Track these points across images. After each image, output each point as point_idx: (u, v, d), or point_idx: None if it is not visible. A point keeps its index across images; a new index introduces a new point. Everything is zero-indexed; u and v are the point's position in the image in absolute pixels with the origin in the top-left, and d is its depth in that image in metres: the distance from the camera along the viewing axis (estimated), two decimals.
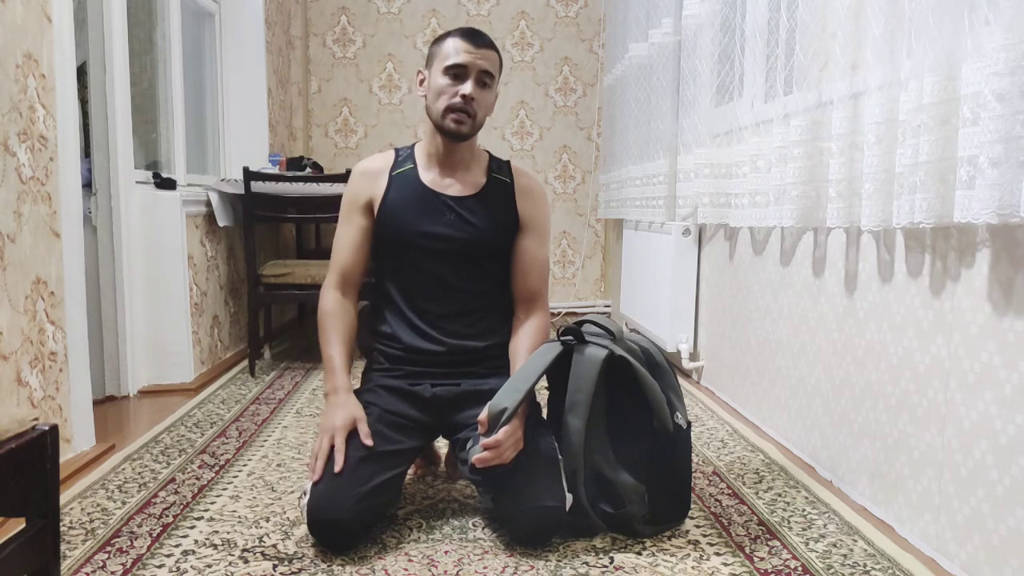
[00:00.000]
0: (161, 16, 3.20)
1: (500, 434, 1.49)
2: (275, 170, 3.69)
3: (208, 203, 3.15)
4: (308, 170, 3.87)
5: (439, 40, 1.67)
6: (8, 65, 1.78)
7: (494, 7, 4.79)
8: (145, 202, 2.78)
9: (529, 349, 1.68)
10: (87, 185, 2.57)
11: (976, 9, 1.30)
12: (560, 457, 1.56)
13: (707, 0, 2.60)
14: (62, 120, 2.01)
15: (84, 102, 2.60)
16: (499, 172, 1.76)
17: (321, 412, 1.59)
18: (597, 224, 4.96)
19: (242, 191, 3.09)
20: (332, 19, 4.78)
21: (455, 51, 1.62)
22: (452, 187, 1.71)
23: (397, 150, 1.77)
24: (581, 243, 4.97)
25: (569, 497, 1.52)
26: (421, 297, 1.70)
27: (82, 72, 2.48)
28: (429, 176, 1.71)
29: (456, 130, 1.64)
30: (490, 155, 1.79)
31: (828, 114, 1.81)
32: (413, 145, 1.78)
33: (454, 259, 1.68)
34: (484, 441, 1.49)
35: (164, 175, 2.98)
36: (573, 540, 1.55)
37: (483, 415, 1.52)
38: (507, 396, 1.52)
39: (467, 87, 1.61)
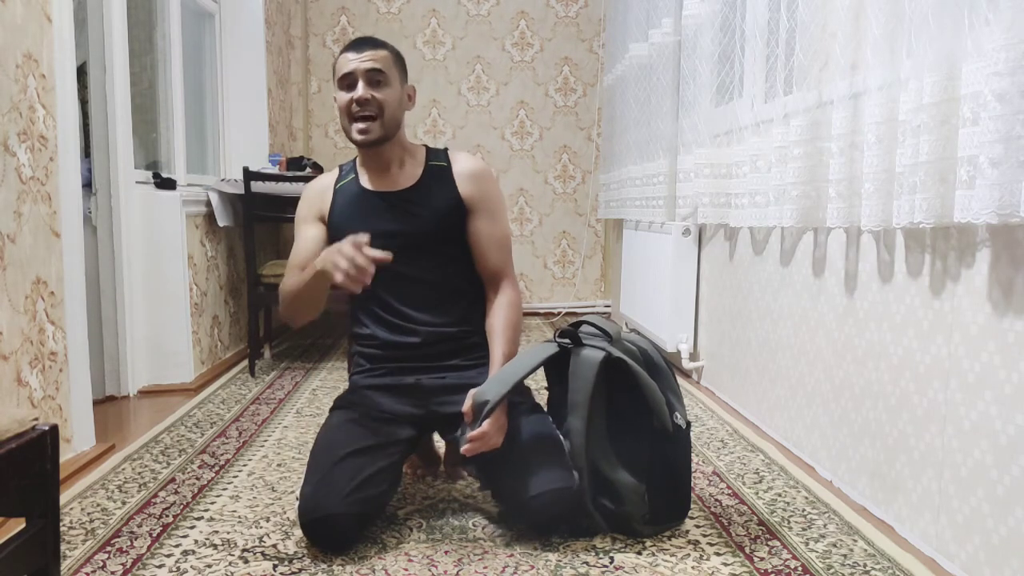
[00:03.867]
0: (161, 16, 3.20)
1: (485, 425, 1.52)
2: (275, 170, 3.69)
3: (208, 203, 3.15)
4: (308, 170, 3.87)
5: (335, 61, 1.70)
6: (8, 65, 1.78)
7: (494, 7, 4.79)
8: (145, 202, 2.78)
9: (503, 325, 1.69)
10: (87, 185, 2.57)
11: (976, 9, 1.30)
12: (562, 437, 1.58)
13: (707, 0, 2.60)
14: (62, 120, 2.01)
15: (84, 102, 2.60)
16: (436, 159, 1.76)
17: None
18: (597, 224, 4.96)
19: (242, 191, 3.09)
20: (332, 19, 4.78)
21: (342, 64, 1.66)
22: (391, 184, 1.73)
23: (341, 166, 1.82)
24: (581, 243, 4.97)
25: (576, 475, 1.53)
26: (388, 294, 1.71)
27: (82, 72, 2.48)
28: (369, 182, 1.74)
29: (363, 140, 1.65)
30: (427, 148, 1.79)
31: (828, 114, 1.81)
32: (355, 159, 1.81)
33: (406, 252, 1.67)
34: (470, 434, 1.52)
35: (164, 175, 2.98)
36: (573, 540, 1.55)
37: (467, 406, 1.54)
38: (491, 388, 1.54)
39: (358, 90, 1.63)
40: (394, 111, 1.67)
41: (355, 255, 1.41)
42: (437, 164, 1.75)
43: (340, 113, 1.68)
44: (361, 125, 1.64)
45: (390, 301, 1.71)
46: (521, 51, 4.83)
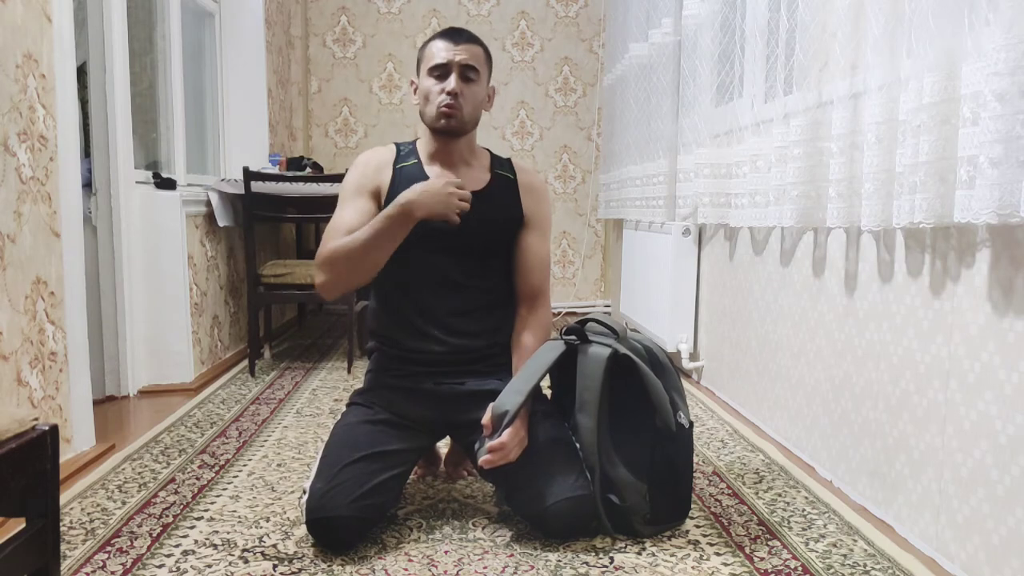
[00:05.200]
0: (161, 16, 3.20)
1: (504, 436, 1.52)
2: (275, 170, 3.69)
3: (208, 203, 3.15)
4: (308, 170, 3.87)
5: (424, 45, 1.69)
6: (8, 65, 1.78)
7: (494, 7, 4.79)
8: (145, 202, 2.78)
9: (533, 345, 1.69)
10: (87, 185, 2.57)
11: (976, 9, 1.30)
12: (577, 445, 1.58)
13: (707, 0, 2.60)
14: (62, 120, 2.01)
15: (84, 102, 2.60)
16: (502, 168, 1.77)
17: (403, 206, 1.57)
18: (597, 224, 4.96)
19: (242, 191, 3.09)
20: (332, 19, 4.78)
21: (436, 52, 1.65)
22: None
23: (397, 145, 1.78)
24: (581, 243, 4.97)
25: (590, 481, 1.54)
26: (424, 296, 1.69)
27: (82, 72, 2.48)
28: (434, 171, 1.70)
29: (445, 125, 1.65)
30: (491, 153, 1.79)
31: (828, 114, 1.81)
32: (414, 141, 1.78)
33: (460, 255, 1.68)
34: (489, 444, 1.52)
35: (164, 175, 2.98)
36: (573, 540, 1.55)
37: (486, 418, 1.55)
38: (509, 398, 1.53)
39: (450, 83, 1.63)
40: (477, 108, 1.69)
41: (455, 192, 1.55)
42: (503, 174, 1.75)
43: (422, 98, 1.67)
44: (444, 110, 1.64)
45: (424, 303, 1.69)
46: (521, 51, 4.83)
